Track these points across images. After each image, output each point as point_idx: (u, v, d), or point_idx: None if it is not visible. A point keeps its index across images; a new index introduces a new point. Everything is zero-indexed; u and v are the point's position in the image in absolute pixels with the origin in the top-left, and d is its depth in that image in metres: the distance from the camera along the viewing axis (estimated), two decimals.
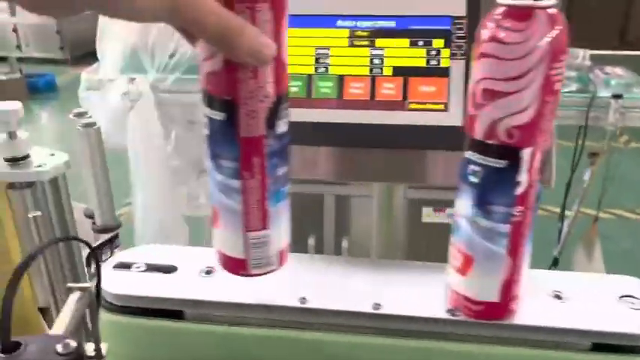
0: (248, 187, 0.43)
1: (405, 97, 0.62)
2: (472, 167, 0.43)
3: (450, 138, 0.61)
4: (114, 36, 1.93)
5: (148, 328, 0.51)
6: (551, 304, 0.49)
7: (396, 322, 0.48)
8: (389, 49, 0.63)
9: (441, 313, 0.48)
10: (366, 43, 0.63)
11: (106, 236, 0.83)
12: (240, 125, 0.41)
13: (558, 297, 0.50)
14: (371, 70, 0.63)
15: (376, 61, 0.63)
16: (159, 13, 0.33)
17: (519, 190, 0.42)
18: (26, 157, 0.63)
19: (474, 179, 0.43)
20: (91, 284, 0.42)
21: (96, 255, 0.41)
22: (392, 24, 0.63)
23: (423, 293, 0.50)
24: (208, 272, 0.53)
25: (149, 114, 1.97)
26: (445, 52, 0.62)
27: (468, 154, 0.43)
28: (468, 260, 0.46)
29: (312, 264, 0.53)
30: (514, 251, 0.44)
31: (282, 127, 0.43)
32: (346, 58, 0.63)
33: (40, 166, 0.63)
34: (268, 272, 0.46)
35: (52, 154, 0.66)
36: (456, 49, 0.61)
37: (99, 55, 1.93)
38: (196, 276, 0.53)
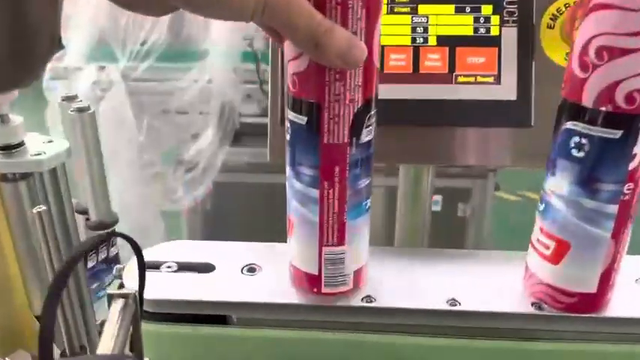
0: (326, 197, 0.40)
1: (451, 70, 0.56)
2: (576, 140, 0.37)
3: (502, 113, 0.56)
4: (81, 22, 1.82)
5: (189, 337, 0.43)
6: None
7: (477, 320, 0.43)
8: (433, 17, 0.56)
9: (525, 307, 0.43)
10: (407, 9, 0.57)
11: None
12: (323, 131, 0.38)
13: None
14: (413, 40, 0.56)
15: (419, 30, 0.56)
16: (251, 14, 0.31)
17: (633, 165, 0.37)
18: (21, 144, 0.54)
19: (577, 153, 0.38)
20: (134, 290, 0.35)
21: (141, 255, 0.34)
22: None
23: (498, 286, 0.45)
24: (251, 270, 0.46)
25: (121, 104, 1.87)
26: (495, 19, 0.56)
27: (571, 125, 0.38)
28: (562, 246, 0.40)
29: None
30: (618, 235, 0.39)
31: (367, 135, 0.39)
32: (385, 26, 0.57)
33: (38, 154, 0.54)
34: (342, 293, 0.43)
35: (50, 141, 0.57)
36: (507, 16, 0.56)
37: (64, 43, 1.81)
38: (238, 274, 0.46)
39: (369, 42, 0.36)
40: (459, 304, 0.43)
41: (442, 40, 0.56)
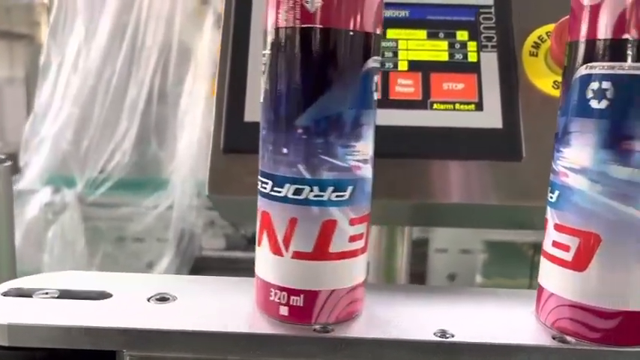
0: None
1: (426, 96, 0.49)
2: (595, 86, 0.29)
3: (487, 143, 0.47)
4: (44, 144, 1.76)
5: None
6: None
7: (474, 357, 0.30)
8: (403, 41, 0.50)
9: (543, 341, 0.30)
10: None
11: None
12: None
13: None
14: (382, 64, 0.50)
15: (388, 54, 0.50)
16: None
17: None
18: None
19: (598, 104, 0.28)
20: None
21: None
22: (405, 13, 0.51)
23: (502, 318, 0.33)
24: (163, 299, 0.33)
25: (74, 229, 1.74)
26: (472, 45, 0.50)
27: (585, 69, 0.29)
28: (588, 242, 0.29)
29: None
30: None
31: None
32: None
33: None
34: None
35: None
36: (485, 41, 0.50)
37: (22, 165, 1.75)
38: (144, 302, 0.33)
39: None
40: (451, 336, 0.30)
41: (414, 66, 0.49)
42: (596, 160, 0.29)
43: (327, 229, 0.30)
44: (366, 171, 0.31)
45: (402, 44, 0.50)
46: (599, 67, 0.28)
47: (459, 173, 0.47)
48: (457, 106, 0.48)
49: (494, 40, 0.50)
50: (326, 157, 0.29)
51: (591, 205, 0.29)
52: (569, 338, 0.30)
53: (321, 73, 0.29)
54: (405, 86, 0.49)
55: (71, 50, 1.76)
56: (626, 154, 0.28)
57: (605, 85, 0.28)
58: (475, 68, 0.49)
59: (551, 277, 0.31)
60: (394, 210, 0.53)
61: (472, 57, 0.50)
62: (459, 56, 0.50)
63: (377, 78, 0.31)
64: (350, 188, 0.30)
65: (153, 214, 1.75)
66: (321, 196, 0.29)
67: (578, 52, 0.29)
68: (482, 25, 0.50)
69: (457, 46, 0.50)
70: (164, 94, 1.79)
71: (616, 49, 0.28)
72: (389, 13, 0.51)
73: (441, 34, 0.50)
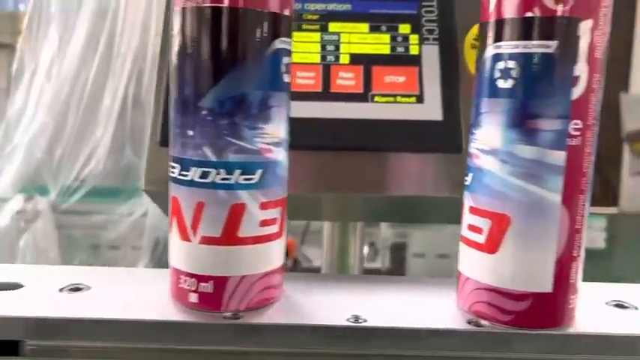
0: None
1: (367, 89, 0.48)
2: (501, 66, 0.28)
3: (428, 136, 0.47)
4: (15, 152, 1.74)
5: None
6: (613, 313, 0.32)
7: (388, 341, 0.29)
8: (345, 35, 0.50)
9: (458, 325, 0.30)
10: (316, 27, 0.50)
11: None
12: None
13: (621, 306, 0.33)
14: (323, 58, 0.49)
15: (329, 48, 0.50)
16: None
17: (577, 92, 0.27)
18: None
19: (505, 84, 0.28)
20: None
21: None
22: (347, 7, 0.51)
23: (422, 304, 0.32)
24: (76, 289, 0.33)
25: (46, 238, 1.72)
26: (413, 38, 0.50)
27: (493, 49, 0.29)
28: (499, 224, 0.29)
29: None
30: (571, 201, 0.28)
31: None
32: (294, 43, 0.50)
33: None
34: None
35: None
36: (426, 34, 0.50)
37: None
38: (55, 292, 0.32)
39: None
40: (364, 321, 0.30)
41: (356, 59, 0.49)
42: (504, 140, 0.28)
43: (236, 213, 0.29)
44: (279, 154, 0.31)
45: (344, 37, 0.50)
46: (504, 47, 0.28)
47: (400, 166, 0.47)
48: (398, 98, 0.48)
49: (436, 32, 0.50)
50: (232, 139, 0.29)
51: (500, 186, 0.29)
52: (483, 322, 0.30)
53: (224, 52, 0.28)
54: (347, 79, 0.49)
55: (45, 57, 1.74)
56: (531, 133, 0.28)
57: (511, 64, 0.28)
58: (416, 61, 0.49)
59: (467, 261, 0.31)
60: (338, 204, 0.53)
61: (414, 50, 0.49)
62: (400, 49, 0.49)
63: (287, 60, 0.31)
64: (259, 171, 0.29)
65: (127, 222, 1.73)
66: (228, 179, 0.29)
67: (488, 33, 0.29)
68: (424, 18, 0.50)
69: (399, 39, 0.50)
70: (139, 102, 1.78)
71: (521, 28, 0.28)
72: (332, 6, 0.51)
73: (383, 28, 0.50)
